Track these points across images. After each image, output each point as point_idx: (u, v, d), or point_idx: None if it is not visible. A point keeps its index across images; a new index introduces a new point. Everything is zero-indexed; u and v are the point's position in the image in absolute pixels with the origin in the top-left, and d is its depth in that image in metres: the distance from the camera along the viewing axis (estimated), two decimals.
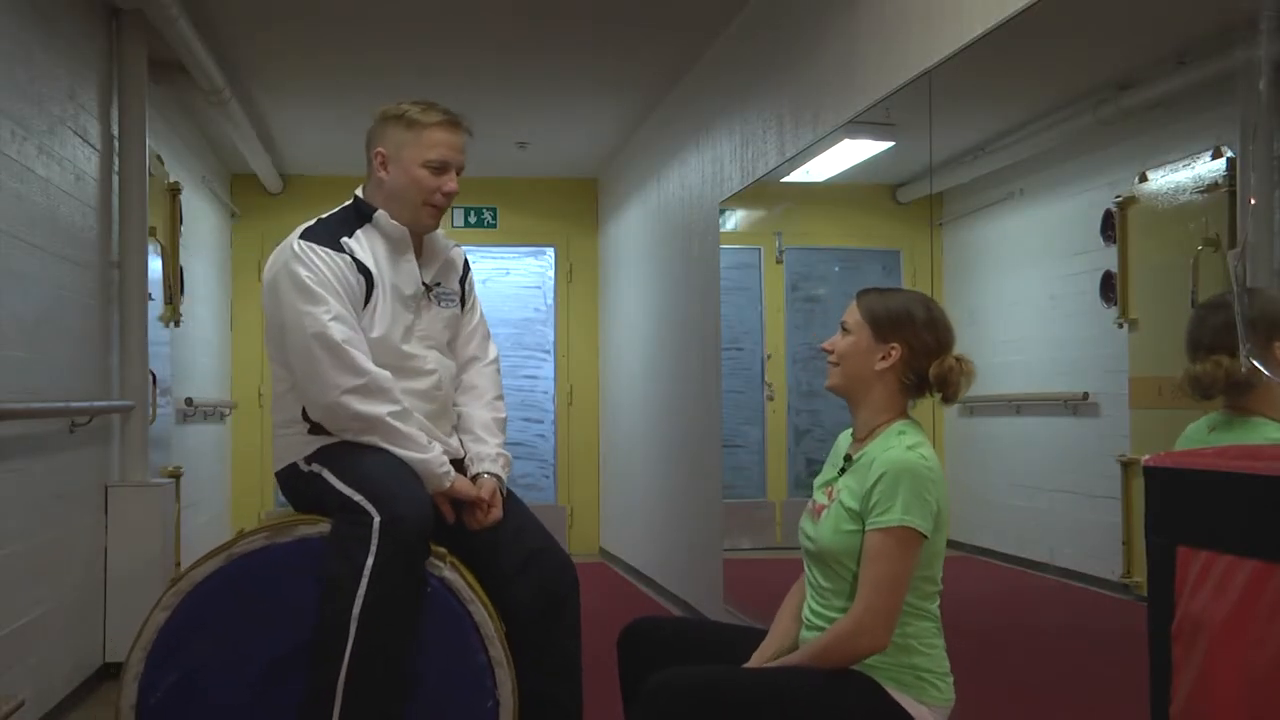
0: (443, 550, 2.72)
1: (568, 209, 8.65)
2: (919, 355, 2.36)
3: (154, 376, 5.07)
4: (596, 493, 8.62)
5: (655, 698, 2.21)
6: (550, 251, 8.72)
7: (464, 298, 3.00)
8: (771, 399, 5.38)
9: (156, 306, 5.35)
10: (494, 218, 8.56)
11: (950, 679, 2.33)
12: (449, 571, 2.70)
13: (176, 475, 5.59)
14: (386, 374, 2.70)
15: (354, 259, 2.73)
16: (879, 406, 2.40)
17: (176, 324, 5.85)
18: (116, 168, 4.88)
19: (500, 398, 3.00)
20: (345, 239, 2.75)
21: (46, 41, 4.10)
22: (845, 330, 2.42)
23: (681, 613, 5.98)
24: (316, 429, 2.74)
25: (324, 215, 2.84)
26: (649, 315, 6.98)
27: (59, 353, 4.17)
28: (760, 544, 5.38)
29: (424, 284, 2.85)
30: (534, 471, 8.67)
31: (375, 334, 2.73)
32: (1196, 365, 2.31)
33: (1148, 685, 1.72)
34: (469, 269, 3.05)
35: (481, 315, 3.07)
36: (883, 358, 2.37)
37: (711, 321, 5.51)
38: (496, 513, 2.79)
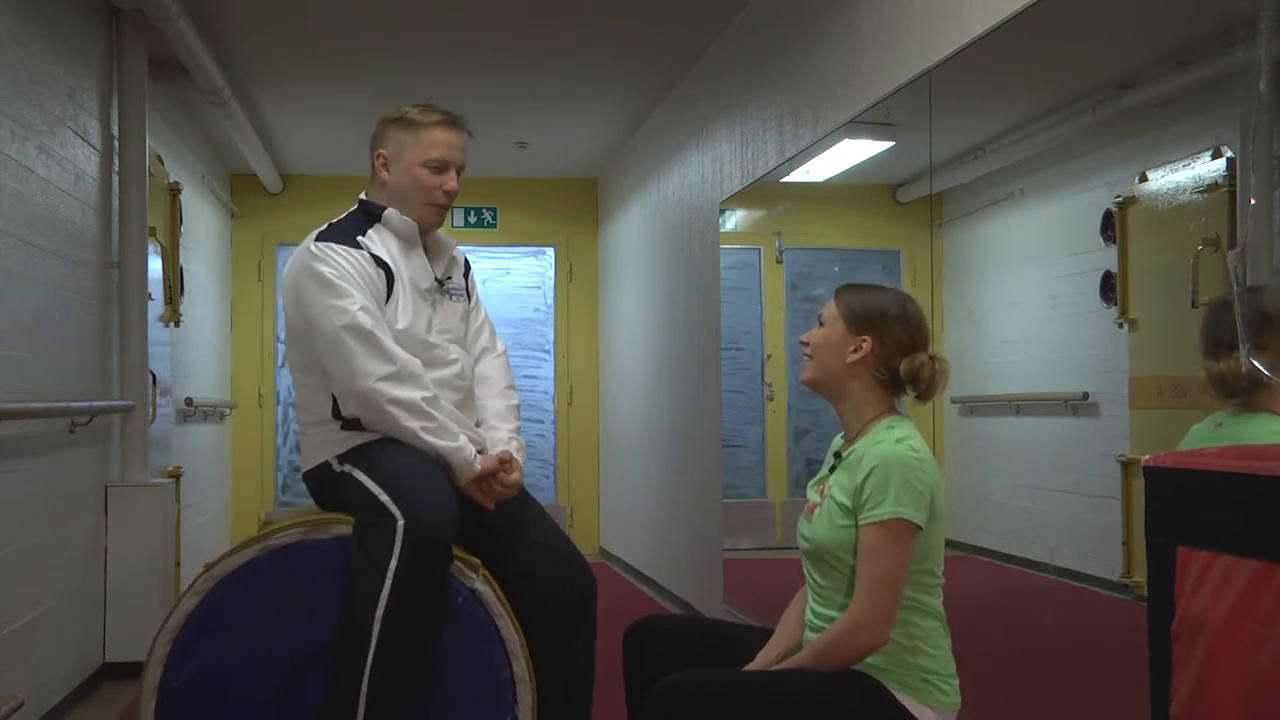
0: (476, 561, 2.72)
1: (568, 209, 8.65)
2: (890, 351, 2.37)
3: (154, 376, 5.07)
4: (596, 493, 8.62)
5: (665, 699, 2.21)
6: (550, 251, 8.72)
7: (469, 293, 3.05)
8: (771, 399, 5.39)
9: (156, 306, 5.35)
10: (494, 218, 8.56)
11: (956, 681, 2.33)
12: (480, 584, 2.69)
13: (176, 475, 5.58)
14: (417, 361, 2.74)
15: (371, 255, 2.78)
16: (860, 402, 2.40)
17: (176, 324, 5.85)
18: (116, 168, 4.89)
19: (512, 387, 3.05)
20: (360, 237, 2.81)
21: (46, 41, 4.10)
22: (821, 323, 2.45)
23: (682, 613, 5.98)
24: (350, 425, 2.75)
25: (333, 220, 2.88)
26: (649, 315, 6.98)
27: (59, 353, 4.17)
28: (760, 544, 5.39)
29: (436, 279, 2.90)
30: (534, 471, 8.67)
31: (400, 326, 2.76)
32: (1220, 364, 2.29)
33: (1148, 685, 1.72)
34: (470, 267, 3.11)
35: (486, 311, 3.13)
36: (854, 350, 2.38)
37: (711, 321, 5.51)
38: (517, 476, 2.81)
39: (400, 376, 2.68)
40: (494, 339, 3.08)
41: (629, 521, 7.61)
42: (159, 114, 5.58)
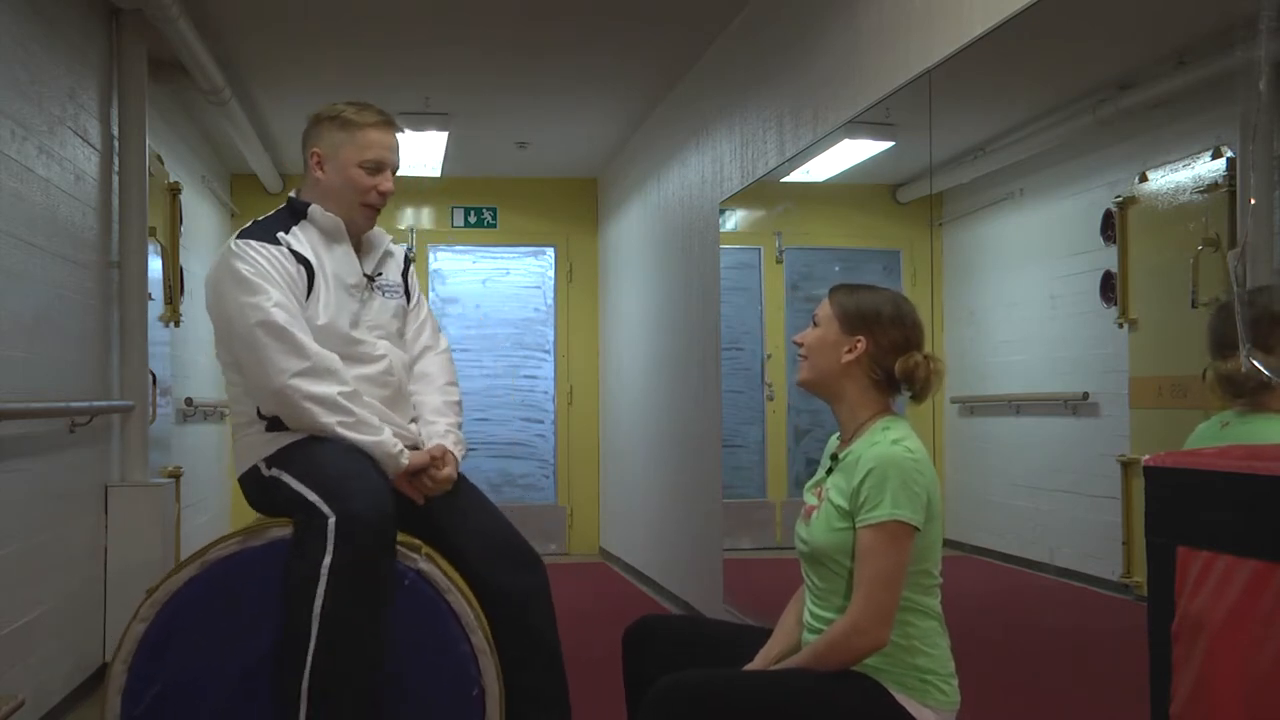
0: (417, 543, 2.70)
1: (568, 209, 8.65)
2: (885, 350, 2.37)
3: (154, 376, 5.07)
4: (596, 493, 8.62)
5: (664, 699, 2.21)
6: (550, 251, 8.72)
7: (408, 291, 3.02)
8: (771, 399, 5.39)
9: (156, 306, 5.35)
10: (494, 218, 8.56)
11: (955, 680, 2.33)
12: (425, 563, 2.68)
13: (176, 475, 5.58)
14: (333, 355, 2.70)
15: (291, 250, 2.75)
16: (856, 403, 2.40)
17: (176, 324, 5.85)
18: (116, 168, 4.88)
19: (453, 383, 3.01)
20: (281, 234, 2.78)
21: (46, 41, 4.10)
22: (815, 324, 2.44)
23: (682, 613, 5.98)
24: (274, 425, 2.73)
25: (259, 218, 2.86)
26: (649, 315, 6.98)
27: (59, 353, 4.17)
28: (760, 544, 5.38)
29: (365, 275, 2.87)
30: (534, 471, 8.67)
31: (321, 321, 2.73)
32: (1228, 364, 2.28)
33: (1148, 685, 1.72)
34: (410, 264, 3.08)
35: (429, 309, 3.11)
36: (848, 350, 2.38)
37: (711, 321, 5.51)
38: (449, 471, 2.77)
39: (315, 372, 2.64)
40: (436, 336, 3.05)
41: (629, 521, 7.61)
42: (159, 114, 5.58)
